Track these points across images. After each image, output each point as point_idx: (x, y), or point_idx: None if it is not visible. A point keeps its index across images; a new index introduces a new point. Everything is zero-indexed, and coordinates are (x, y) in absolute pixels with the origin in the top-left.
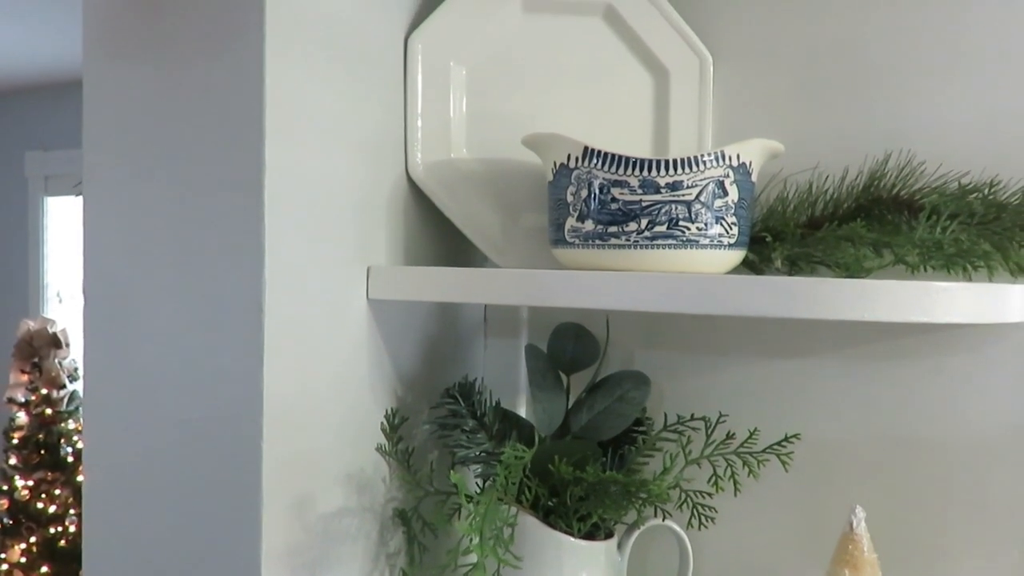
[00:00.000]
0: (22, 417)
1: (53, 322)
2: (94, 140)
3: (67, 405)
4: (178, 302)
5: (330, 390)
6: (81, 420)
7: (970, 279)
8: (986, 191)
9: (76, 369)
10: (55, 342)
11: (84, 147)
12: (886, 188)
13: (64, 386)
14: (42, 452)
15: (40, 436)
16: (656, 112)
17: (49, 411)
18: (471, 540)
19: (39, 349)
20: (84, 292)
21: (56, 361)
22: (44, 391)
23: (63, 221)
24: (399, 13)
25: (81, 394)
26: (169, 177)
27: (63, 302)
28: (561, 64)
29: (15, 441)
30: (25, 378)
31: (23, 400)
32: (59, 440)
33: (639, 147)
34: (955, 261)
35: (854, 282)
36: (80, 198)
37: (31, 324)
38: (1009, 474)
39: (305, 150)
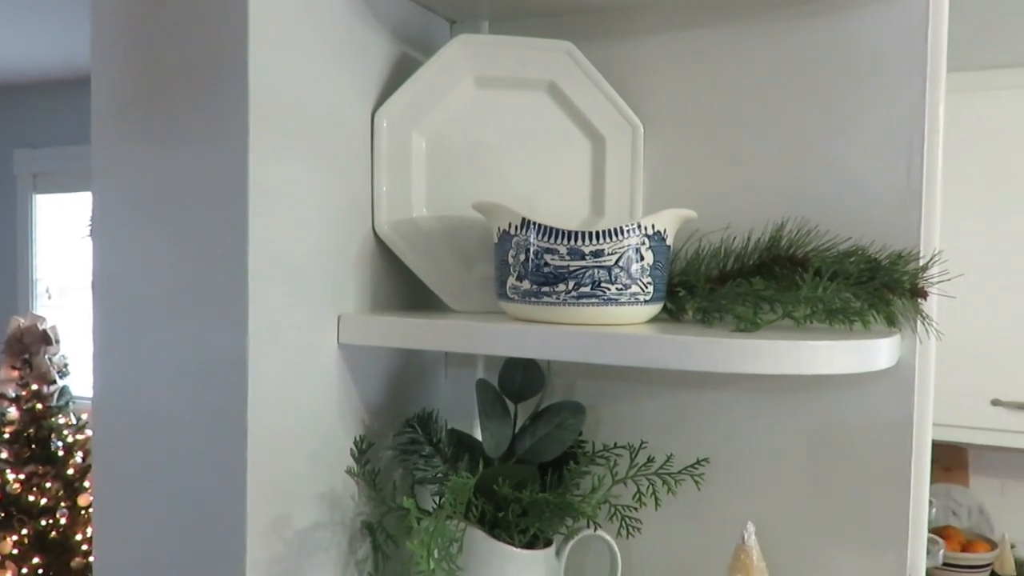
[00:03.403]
0: (13, 412)
1: (43, 319)
2: (101, 208)
3: (57, 400)
4: (173, 354)
5: (305, 423)
6: (71, 415)
7: (851, 329)
8: (860, 254)
9: (66, 365)
10: (45, 338)
11: (92, 214)
12: (783, 248)
13: (54, 381)
14: (33, 446)
15: (31, 431)
16: (594, 174)
17: (40, 406)
18: (420, 557)
19: (29, 345)
20: (93, 351)
21: (46, 357)
22: (34, 387)
23: (52, 218)
24: (366, 92)
25: (71, 390)
26: (167, 244)
27: (52, 298)
28: (510, 132)
29: (6, 436)
30: (16, 374)
31: (14, 395)
32: (49, 434)
33: (579, 206)
34: (835, 316)
35: (739, 341)
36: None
37: (21, 321)
38: (887, 489)
39: (283, 217)
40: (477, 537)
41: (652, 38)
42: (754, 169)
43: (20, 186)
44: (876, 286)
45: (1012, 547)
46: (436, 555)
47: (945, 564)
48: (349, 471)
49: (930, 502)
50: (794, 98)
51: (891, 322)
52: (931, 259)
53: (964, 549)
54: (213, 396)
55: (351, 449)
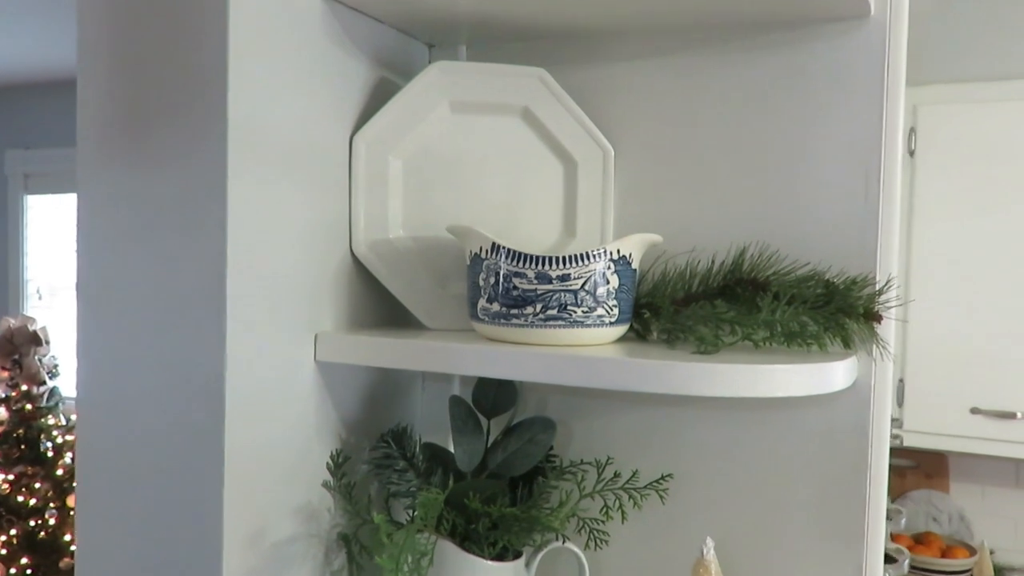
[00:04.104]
0: (2, 412)
1: (33, 320)
2: (85, 226)
3: (47, 401)
4: (153, 369)
5: (283, 437)
6: (61, 416)
7: (809, 351)
8: (817, 279)
9: (56, 366)
10: (35, 339)
11: (76, 231)
12: (746, 272)
13: (44, 382)
14: (22, 447)
15: (20, 431)
16: (566, 196)
17: (29, 407)
18: (390, 571)
19: (20, 346)
20: (77, 367)
21: (36, 358)
22: (24, 387)
23: (43, 219)
24: (345, 116)
25: (61, 390)
26: (148, 262)
27: (43, 299)
28: (484, 156)
29: None
30: (5, 375)
31: (3, 396)
32: (39, 435)
33: (552, 227)
34: (793, 339)
35: (697, 365)
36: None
37: (12, 322)
38: (844, 503)
39: (262, 237)
40: (448, 550)
41: (623, 65)
42: (719, 193)
43: (11, 186)
44: (832, 310)
45: (991, 553)
46: (407, 568)
47: (926, 569)
48: (325, 484)
49: (898, 511)
50: (758, 125)
51: (847, 344)
52: (885, 284)
53: (944, 555)
54: (191, 411)
55: (327, 463)
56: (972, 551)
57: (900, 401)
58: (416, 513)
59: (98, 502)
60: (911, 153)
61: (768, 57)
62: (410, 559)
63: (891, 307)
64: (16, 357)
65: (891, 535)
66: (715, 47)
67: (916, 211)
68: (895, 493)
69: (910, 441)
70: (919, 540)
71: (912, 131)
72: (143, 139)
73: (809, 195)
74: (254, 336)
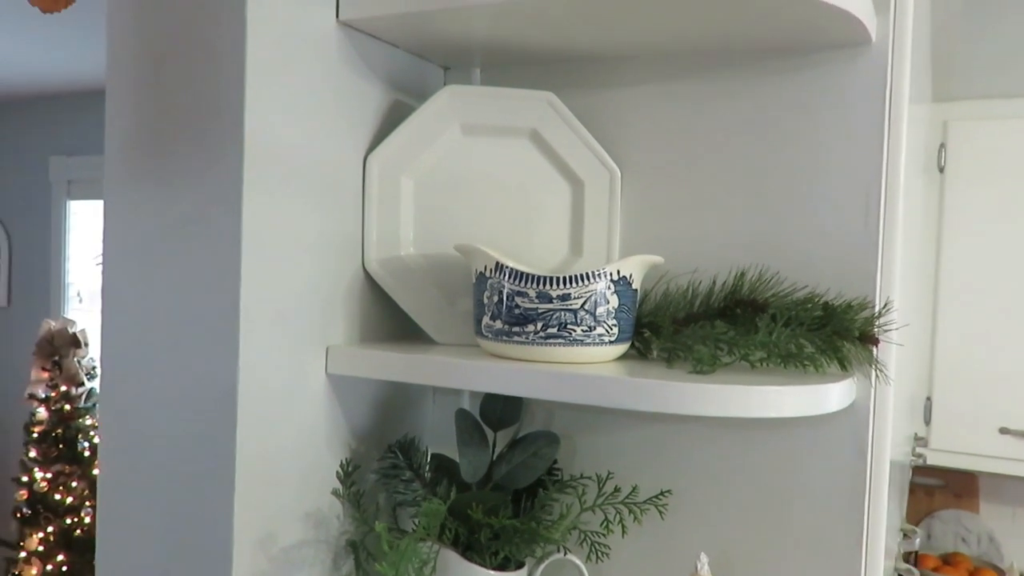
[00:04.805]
0: (42, 412)
1: (73, 323)
2: (110, 242)
3: (85, 402)
4: (169, 382)
5: (293, 448)
6: (98, 418)
7: (805, 372)
8: (815, 302)
9: (94, 367)
10: (75, 341)
11: (102, 247)
12: (745, 293)
13: (82, 383)
14: (60, 446)
15: (59, 431)
16: (573, 216)
17: (67, 407)
18: None
19: (59, 348)
20: (100, 377)
21: (75, 360)
22: (63, 388)
23: (85, 224)
24: (359, 138)
25: (98, 391)
26: (166, 279)
27: (83, 302)
28: (494, 176)
29: (35, 435)
30: (45, 375)
31: (43, 396)
32: (76, 435)
33: (559, 246)
34: (789, 360)
35: (691, 385)
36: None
37: (52, 324)
38: (842, 524)
39: (276, 255)
40: (451, 559)
41: (631, 88)
42: (722, 215)
43: (55, 192)
44: (828, 333)
45: None
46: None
47: None
48: (335, 492)
49: (914, 530)
50: (760, 149)
51: (844, 366)
52: (884, 307)
53: None
54: (205, 418)
55: (337, 472)
56: (1001, 573)
57: (927, 420)
58: (419, 522)
59: (116, 503)
60: (940, 169)
61: (771, 83)
62: (412, 567)
63: (888, 330)
64: (56, 358)
65: (912, 554)
66: (719, 72)
67: (945, 227)
68: (923, 512)
69: (936, 460)
70: (947, 561)
71: (942, 147)
72: (164, 155)
73: (810, 218)
74: (267, 347)
